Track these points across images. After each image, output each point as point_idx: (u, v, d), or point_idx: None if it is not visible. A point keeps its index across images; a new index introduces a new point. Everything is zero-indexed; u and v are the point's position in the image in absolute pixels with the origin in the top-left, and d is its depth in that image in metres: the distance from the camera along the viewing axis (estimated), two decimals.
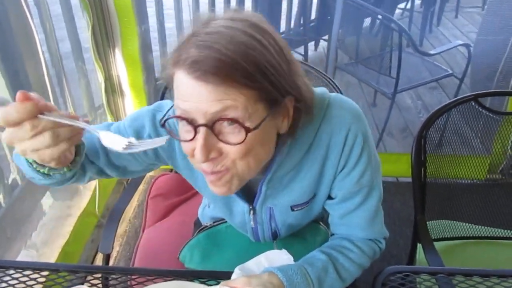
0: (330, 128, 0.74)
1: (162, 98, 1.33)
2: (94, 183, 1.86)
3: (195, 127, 0.61)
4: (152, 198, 1.37)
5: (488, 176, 1.55)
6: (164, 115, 0.67)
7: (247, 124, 0.60)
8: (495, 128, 1.27)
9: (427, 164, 1.19)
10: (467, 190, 1.30)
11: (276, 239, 0.98)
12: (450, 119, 1.21)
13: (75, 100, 1.84)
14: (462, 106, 1.19)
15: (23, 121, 0.52)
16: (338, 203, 0.84)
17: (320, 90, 0.77)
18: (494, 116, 1.22)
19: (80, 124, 0.56)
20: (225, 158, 0.64)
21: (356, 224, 0.85)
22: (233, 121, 0.59)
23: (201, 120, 0.60)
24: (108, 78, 1.99)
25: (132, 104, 2.10)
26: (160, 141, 0.62)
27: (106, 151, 0.79)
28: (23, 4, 1.38)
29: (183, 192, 1.39)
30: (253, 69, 0.57)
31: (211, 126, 0.60)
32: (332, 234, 0.93)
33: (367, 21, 2.45)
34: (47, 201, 1.73)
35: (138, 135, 0.79)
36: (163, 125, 0.66)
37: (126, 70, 2.00)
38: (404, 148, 2.28)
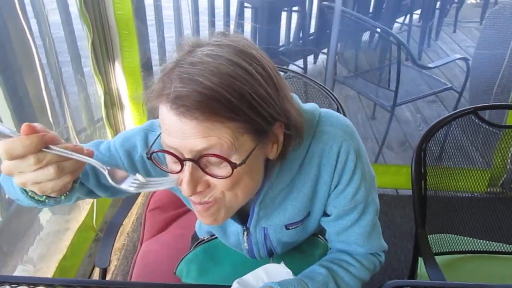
0: (321, 146, 0.73)
1: None
2: None
3: (182, 161, 0.59)
4: (150, 211, 1.36)
5: (488, 190, 1.54)
6: (150, 147, 0.66)
7: (234, 159, 0.59)
8: (495, 141, 1.27)
9: (427, 177, 1.18)
10: (467, 204, 1.29)
11: (273, 256, 0.97)
12: (450, 132, 1.20)
13: (74, 113, 1.83)
14: (461, 119, 1.18)
15: (28, 155, 0.50)
16: (333, 220, 0.82)
17: (309, 106, 0.76)
18: (494, 130, 1.22)
19: (85, 158, 0.55)
20: (213, 189, 0.63)
21: (353, 241, 0.84)
22: (219, 157, 0.58)
23: (187, 155, 0.59)
24: (108, 91, 1.99)
25: (131, 117, 2.10)
26: (169, 183, 0.61)
27: (95, 172, 0.76)
28: (21, 17, 1.38)
29: (182, 205, 1.38)
30: (238, 101, 0.55)
31: (197, 160, 0.59)
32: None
33: (366, 35, 2.47)
34: (44, 215, 1.71)
35: (130, 156, 0.77)
36: (149, 158, 0.64)
37: (126, 83, 2.00)
38: (404, 161, 2.27)
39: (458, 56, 2.29)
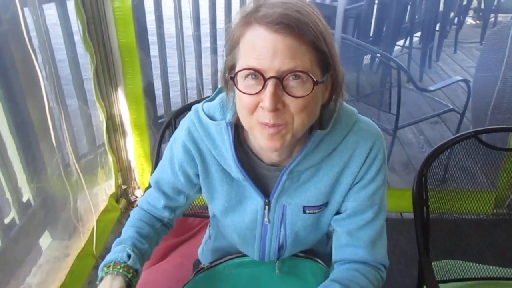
0: (357, 139, 0.81)
1: (163, 135, 1.35)
2: (93, 223, 1.84)
3: (266, 79, 0.67)
4: None
5: (494, 211, 1.51)
6: (230, 71, 0.74)
7: (314, 78, 0.68)
8: (499, 163, 1.25)
9: (429, 203, 1.16)
10: (473, 226, 1.27)
11: (280, 260, 0.98)
12: (453, 154, 1.19)
13: (76, 138, 1.84)
14: (464, 141, 1.17)
15: None
16: (348, 217, 0.87)
17: (351, 108, 0.86)
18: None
19: None
20: (286, 111, 0.70)
21: (362, 244, 0.87)
22: (303, 72, 0.67)
23: (271, 73, 0.67)
24: (110, 117, 2.00)
25: (133, 142, 2.11)
26: None
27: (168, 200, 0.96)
28: (27, 42, 1.40)
29: (182, 233, 1.37)
30: (319, 33, 0.67)
31: (281, 79, 0.67)
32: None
33: (367, 59, 2.49)
34: (45, 240, 1.70)
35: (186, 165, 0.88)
36: (232, 79, 0.72)
37: (128, 109, 2.01)
38: (407, 183, 2.25)
39: (459, 78, 2.29)
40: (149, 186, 0.99)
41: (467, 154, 1.20)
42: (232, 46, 0.71)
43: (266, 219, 0.90)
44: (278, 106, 0.68)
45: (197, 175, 0.89)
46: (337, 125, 0.80)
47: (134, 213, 0.99)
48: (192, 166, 0.87)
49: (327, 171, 0.83)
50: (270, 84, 0.67)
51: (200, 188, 0.93)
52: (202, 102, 0.86)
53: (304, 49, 0.66)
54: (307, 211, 0.87)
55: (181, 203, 0.98)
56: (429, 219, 1.16)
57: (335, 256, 0.92)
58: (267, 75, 0.67)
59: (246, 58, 0.68)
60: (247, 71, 0.68)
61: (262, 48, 0.66)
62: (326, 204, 0.87)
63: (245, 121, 0.75)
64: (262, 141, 0.74)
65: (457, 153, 1.19)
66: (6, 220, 1.46)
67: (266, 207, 0.88)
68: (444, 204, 1.21)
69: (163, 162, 0.93)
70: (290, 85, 0.68)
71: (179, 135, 0.87)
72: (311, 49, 0.67)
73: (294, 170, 0.82)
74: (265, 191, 0.87)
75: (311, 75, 0.67)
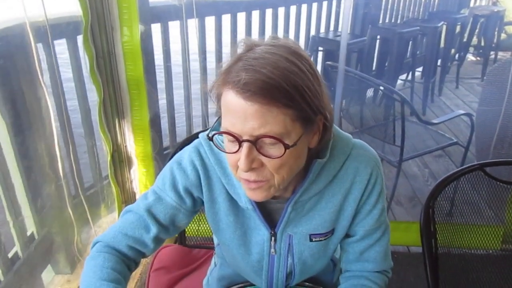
0: (356, 165, 0.83)
1: None
2: None
3: (240, 142, 0.68)
4: (154, 271, 1.33)
5: (503, 246, 1.49)
6: (211, 129, 0.76)
7: (286, 142, 0.68)
8: (505, 197, 1.24)
9: (437, 235, 1.15)
10: (482, 262, 1.24)
11: (288, 284, 0.97)
12: (459, 187, 1.19)
13: (82, 171, 1.85)
14: (470, 174, 1.17)
15: None
16: (359, 240, 0.91)
17: (345, 133, 0.87)
18: (504, 185, 1.20)
19: None
20: (264, 169, 0.72)
21: (373, 259, 0.92)
22: (274, 139, 0.67)
23: (245, 137, 0.68)
24: (116, 148, 2.02)
25: (138, 173, 2.11)
26: None
27: (157, 227, 0.86)
28: (40, 77, 1.44)
29: (187, 265, 1.35)
30: (293, 91, 0.65)
31: (254, 142, 0.68)
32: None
33: (370, 91, 2.52)
34: (47, 275, 1.68)
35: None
36: (211, 139, 0.75)
37: (134, 140, 2.03)
38: (413, 217, 2.23)
39: (462, 112, 2.31)
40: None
41: (473, 187, 1.19)
42: (217, 99, 0.72)
43: (272, 250, 0.91)
44: (254, 166, 0.70)
45: (202, 201, 0.88)
46: (335, 151, 0.81)
47: (99, 258, 0.83)
48: (198, 190, 0.86)
49: (330, 198, 0.85)
50: (244, 147, 0.68)
51: (191, 218, 0.90)
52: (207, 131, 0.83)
53: (276, 111, 0.65)
54: (314, 239, 0.89)
55: (171, 233, 0.90)
56: (437, 253, 1.15)
57: (346, 267, 0.96)
58: (242, 138, 0.68)
59: (224, 119, 0.70)
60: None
61: (234, 113, 0.67)
62: (332, 231, 0.89)
63: (232, 173, 0.77)
64: (247, 193, 0.77)
65: (463, 187, 1.19)
66: (10, 254, 1.45)
67: (272, 238, 0.89)
68: (452, 238, 1.20)
69: (162, 184, 0.86)
70: (264, 147, 0.69)
71: (187, 157, 0.85)
72: (285, 110, 0.66)
73: (298, 201, 0.83)
74: (271, 223, 0.88)
75: (282, 140, 0.67)
